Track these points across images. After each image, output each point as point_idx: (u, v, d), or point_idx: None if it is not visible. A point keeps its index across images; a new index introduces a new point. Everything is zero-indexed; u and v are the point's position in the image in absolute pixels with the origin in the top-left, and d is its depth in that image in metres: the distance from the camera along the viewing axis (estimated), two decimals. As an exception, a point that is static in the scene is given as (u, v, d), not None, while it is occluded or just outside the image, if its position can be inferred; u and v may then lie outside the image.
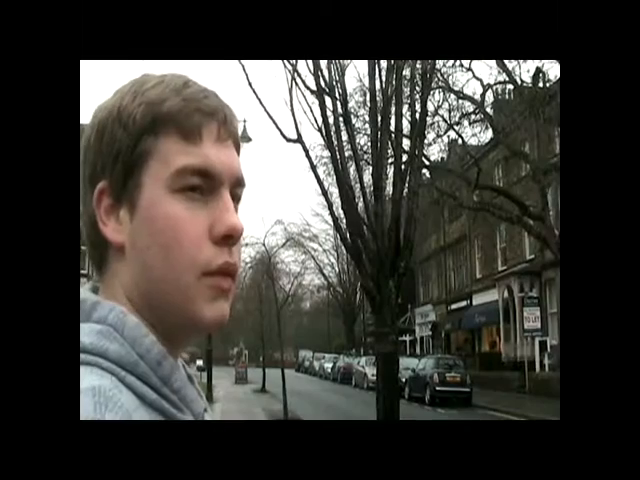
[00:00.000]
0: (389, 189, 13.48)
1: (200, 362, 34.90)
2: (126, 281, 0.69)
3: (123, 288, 0.69)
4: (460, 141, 18.19)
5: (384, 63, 12.72)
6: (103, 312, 0.66)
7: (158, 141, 0.68)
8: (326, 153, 14.48)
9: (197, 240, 0.67)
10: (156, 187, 0.67)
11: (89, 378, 0.61)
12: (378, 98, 13.06)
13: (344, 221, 13.39)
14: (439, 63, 14.75)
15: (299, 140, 13.23)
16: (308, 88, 12.98)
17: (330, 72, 12.78)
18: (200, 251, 0.67)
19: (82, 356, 0.63)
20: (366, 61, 13.16)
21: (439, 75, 15.76)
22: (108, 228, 0.69)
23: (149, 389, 0.65)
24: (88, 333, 0.65)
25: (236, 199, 0.71)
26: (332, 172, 14.24)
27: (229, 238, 0.68)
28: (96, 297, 0.69)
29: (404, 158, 13.32)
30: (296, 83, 13.12)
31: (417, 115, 13.10)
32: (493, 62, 16.16)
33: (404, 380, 22.13)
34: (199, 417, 0.71)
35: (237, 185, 0.71)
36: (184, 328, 0.70)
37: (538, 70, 16.19)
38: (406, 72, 13.17)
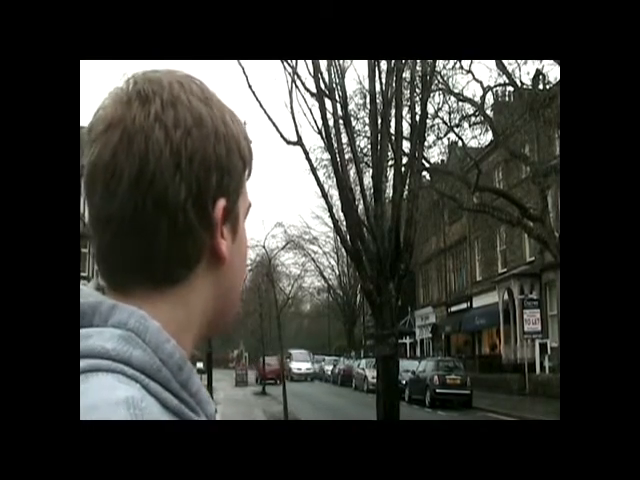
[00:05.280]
0: (389, 191, 13.50)
1: (200, 364, 34.85)
2: (207, 295, 0.71)
3: (201, 301, 0.71)
4: (460, 143, 18.22)
5: (384, 65, 12.74)
6: (122, 316, 0.65)
7: (245, 177, 0.74)
8: (326, 155, 14.54)
9: None
10: (242, 218, 0.75)
11: (119, 388, 0.60)
12: (378, 100, 13.08)
13: (344, 223, 13.41)
14: (439, 65, 14.78)
15: (299, 142, 13.25)
16: (308, 90, 13.01)
17: (330, 74, 12.80)
18: None
19: (105, 362, 0.62)
20: (366, 63, 13.18)
21: (439, 77, 15.79)
22: (224, 245, 0.70)
23: (170, 394, 0.64)
24: (109, 338, 0.63)
25: None
26: (332, 174, 14.28)
27: None
28: (112, 300, 0.67)
29: (404, 160, 13.34)
30: (296, 85, 13.16)
31: (417, 117, 13.12)
32: (493, 64, 16.20)
33: (404, 382, 22.12)
34: (211, 417, 0.71)
35: None
36: (212, 335, 0.79)
37: (538, 72, 16.21)
38: (406, 74, 13.19)
